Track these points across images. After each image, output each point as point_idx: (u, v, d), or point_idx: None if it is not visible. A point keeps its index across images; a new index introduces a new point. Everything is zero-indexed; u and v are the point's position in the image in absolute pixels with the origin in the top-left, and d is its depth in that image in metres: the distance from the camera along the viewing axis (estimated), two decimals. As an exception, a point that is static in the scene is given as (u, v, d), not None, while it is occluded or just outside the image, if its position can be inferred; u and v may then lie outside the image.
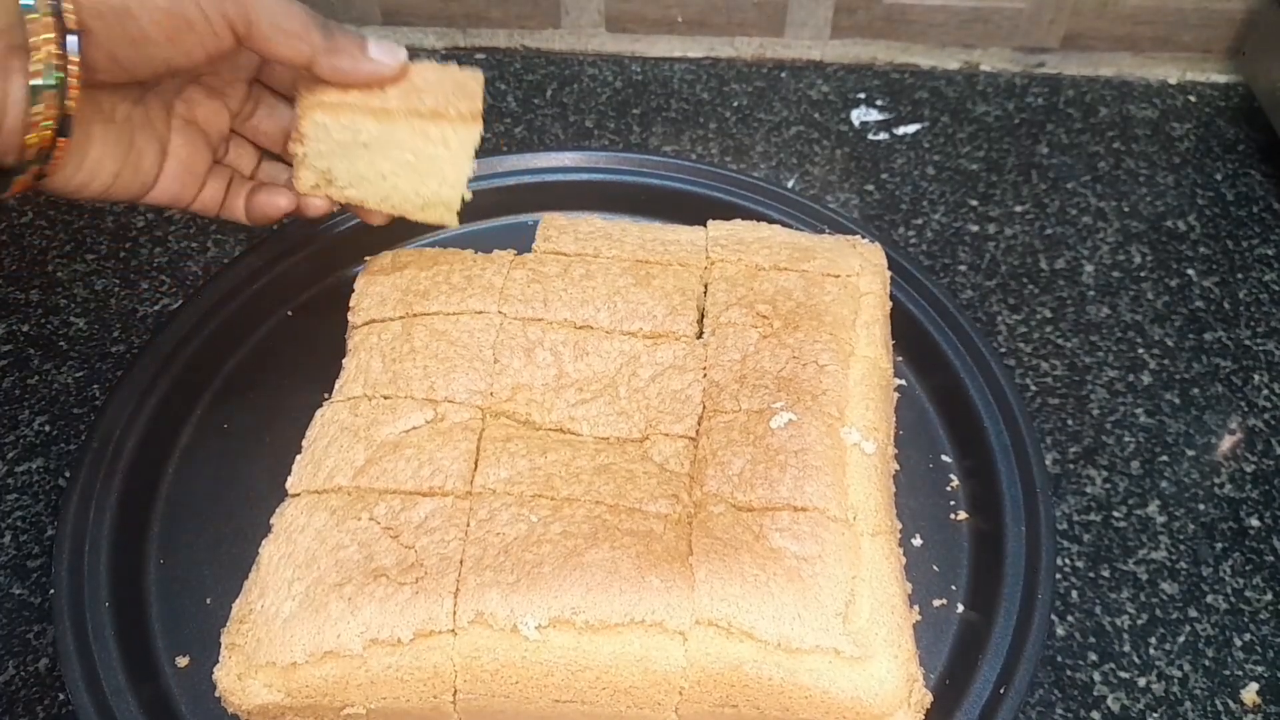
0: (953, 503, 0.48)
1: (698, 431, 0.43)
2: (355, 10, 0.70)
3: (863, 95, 0.69)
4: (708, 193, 0.57)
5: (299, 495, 0.42)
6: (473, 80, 0.43)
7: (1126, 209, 0.63)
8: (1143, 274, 0.60)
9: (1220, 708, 0.44)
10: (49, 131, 0.36)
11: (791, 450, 0.42)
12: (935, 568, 0.46)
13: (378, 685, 0.38)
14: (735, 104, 0.68)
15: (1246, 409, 0.54)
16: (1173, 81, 0.70)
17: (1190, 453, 0.52)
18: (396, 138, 0.42)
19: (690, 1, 0.69)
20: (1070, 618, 0.46)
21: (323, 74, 0.41)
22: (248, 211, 0.45)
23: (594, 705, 0.39)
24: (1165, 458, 0.52)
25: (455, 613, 0.38)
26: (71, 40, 0.35)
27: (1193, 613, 0.47)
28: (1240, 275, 0.60)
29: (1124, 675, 0.45)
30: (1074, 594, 0.47)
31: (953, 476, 0.49)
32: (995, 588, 0.43)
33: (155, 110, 0.42)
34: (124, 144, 0.41)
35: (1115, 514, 0.50)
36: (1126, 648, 0.46)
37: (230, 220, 0.46)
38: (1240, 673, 0.45)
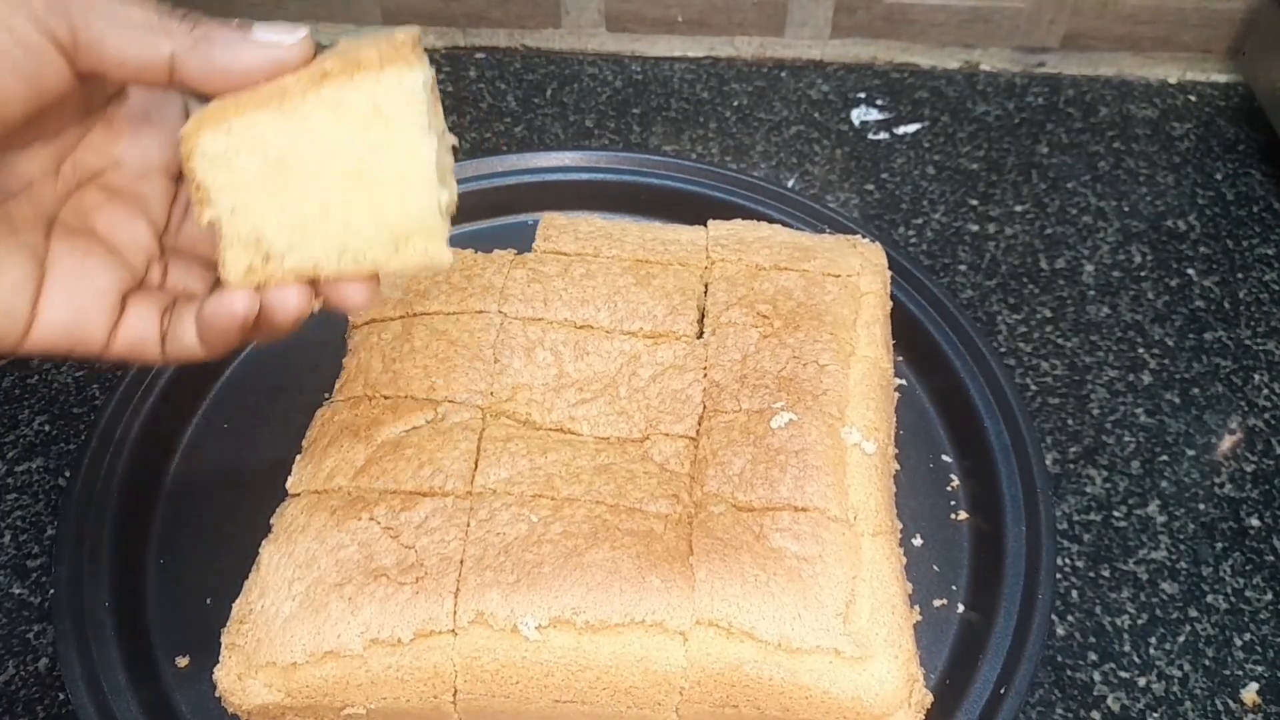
0: (953, 503, 0.48)
1: (698, 431, 0.43)
2: (354, 10, 0.70)
3: (863, 95, 0.69)
4: (708, 192, 0.57)
5: (299, 495, 0.42)
6: (400, 32, 0.31)
7: (1126, 209, 0.63)
8: (1143, 274, 0.60)
9: (1220, 707, 0.44)
10: None
11: (792, 450, 0.42)
12: (935, 568, 0.46)
13: (378, 685, 0.38)
14: (735, 103, 0.68)
15: (1247, 409, 0.54)
16: (1173, 81, 0.70)
17: (1190, 452, 0.52)
18: (314, 132, 0.30)
19: (690, 1, 0.69)
20: (1070, 617, 0.46)
21: (193, 75, 0.29)
22: (200, 334, 0.32)
23: (594, 705, 0.39)
24: (1165, 457, 0.52)
25: (455, 613, 0.38)
26: None
27: (1193, 612, 0.47)
28: (1240, 275, 0.60)
29: (1124, 675, 0.45)
30: (1074, 594, 0.47)
31: (953, 476, 0.49)
32: (995, 588, 0.43)
33: (21, 219, 0.31)
34: None
35: (1115, 514, 0.50)
36: (1127, 647, 0.46)
37: (182, 361, 0.32)
38: (1240, 672, 0.45)
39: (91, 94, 0.32)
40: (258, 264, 0.31)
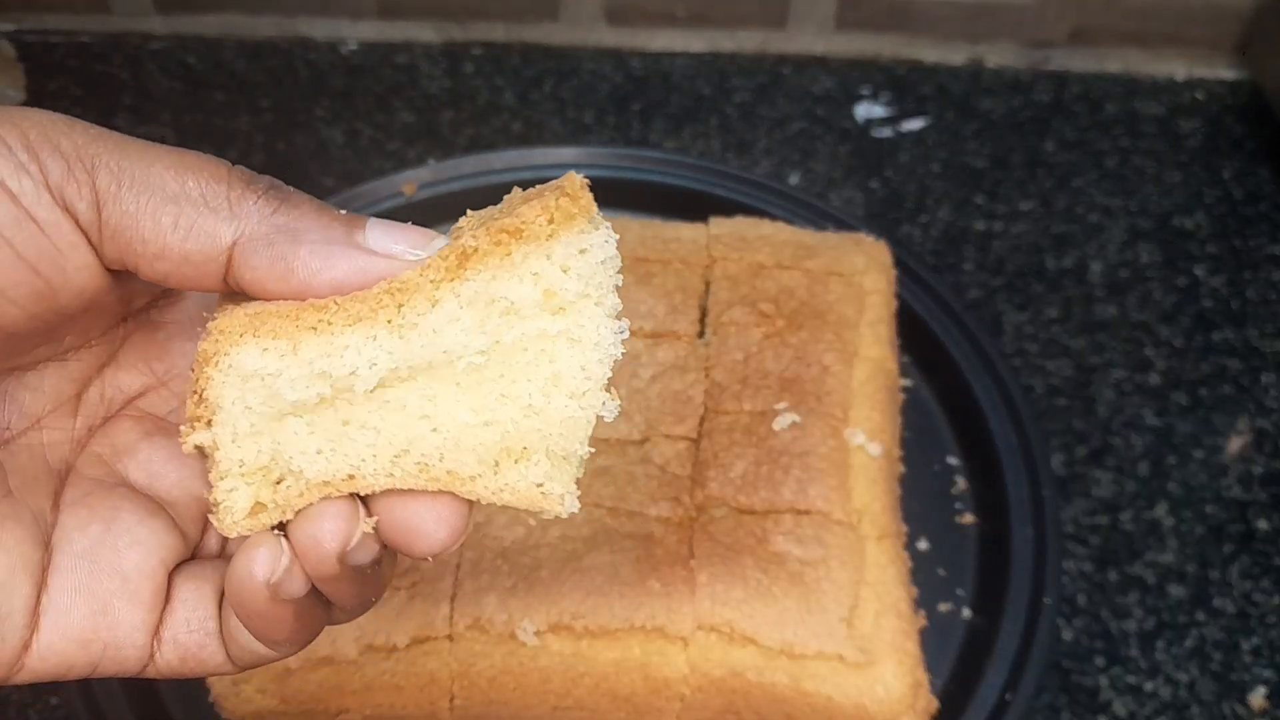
0: (959, 505, 0.48)
1: (699, 433, 0.43)
2: (349, 4, 0.69)
3: (867, 90, 0.68)
4: (709, 190, 0.57)
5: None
6: (568, 179, 0.22)
7: (1134, 207, 0.62)
8: (1150, 273, 0.59)
9: (1228, 712, 0.43)
10: None
11: (795, 452, 0.41)
12: (941, 571, 0.45)
13: (373, 691, 0.38)
14: (737, 99, 0.68)
15: (1255, 410, 0.53)
16: (1180, 78, 0.69)
17: (1198, 454, 0.52)
18: (438, 344, 0.21)
19: (692, -5, 0.68)
20: (1077, 621, 0.46)
21: (253, 280, 0.20)
22: (243, 623, 0.21)
23: (594, 712, 0.39)
24: (1173, 459, 0.51)
25: (452, 618, 0.37)
26: None
27: (1200, 616, 0.46)
28: (1248, 274, 0.59)
29: (1131, 680, 0.44)
30: (1081, 598, 0.47)
31: (959, 479, 0.48)
32: (1001, 592, 0.43)
33: (19, 476, 0.21)
34: None
35: (1123, 516, 0.49)
36: (1134, 652, 0.45)
37: (256, 665, 0.23)
38: (1248, 676, 0.44)
39: (130, 290, 0.22)
40: (266, 495, 0.21)
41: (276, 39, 0.69)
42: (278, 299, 0.20)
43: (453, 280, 0.20)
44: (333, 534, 0.20)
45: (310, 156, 0.63)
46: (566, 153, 0.58)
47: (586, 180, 0.21)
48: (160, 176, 0.19)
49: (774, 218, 0.53)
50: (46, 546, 0.21)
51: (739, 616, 0.37)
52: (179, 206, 0.19)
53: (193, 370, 0.21)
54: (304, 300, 0.20)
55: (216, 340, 0.21)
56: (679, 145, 0.65)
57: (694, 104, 0.67)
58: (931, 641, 0.42)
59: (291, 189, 0.21)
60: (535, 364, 0.21)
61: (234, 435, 0.21)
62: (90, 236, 0.19)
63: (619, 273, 0.22)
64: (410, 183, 0.55)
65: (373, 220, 0.21)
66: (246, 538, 0.21)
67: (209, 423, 0.21)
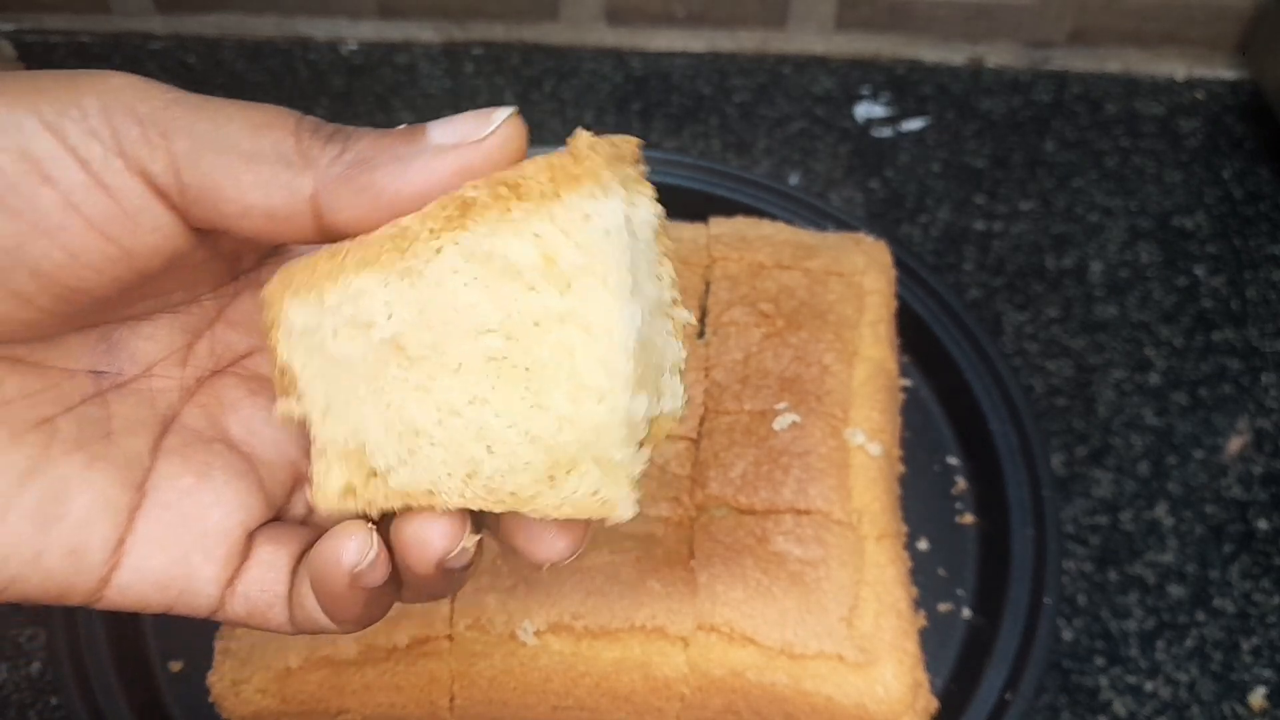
0: (959, 505, 0.48)
1: (699, 433, 0.43)
2: (349, 4, 0.69)
3: (867, 90, 0.68)
4: (709, 189, 0.57)
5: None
6: (583, 135, 0.20)
7: (1134, 207, 0.62)
8: (1150, 273, 0.59)
9: (1228, 712, 0.43)
10: None
11: (795, 452, 0.41)
12: (941, 571, 0.45)
13: (373, 691, 0.38)
14: (737, 99, 0.68)
15: (1255, 410, 0.53)
16: (1180, 78, 0.69)
17: (1198, 454, 0.52)
18: (448, 299, 0.20)
19: (692, -5, 0.68)
20: (1077, 622, 0.46)
21: (345, 219, 0.20)
22: (317, 599, 0.22)
23: (594, 712, 0.39)
24: (1173, 459, 0.51)
25: (452, 618, 0.37)
26: None
27: (1200, 616, 0.46)
28: (1249, 274, 0.59)
29: (1131, 680, 0.44)
30: (1081, 598, 0.47)
31: (959, 479, 0.48)
32: (1002, 592, 0.43)
33: (123, 418, 0.22)
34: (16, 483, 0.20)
35: (1123, 516, 0.49)
36: (1133, 652, 0.45)
37: (316, 632, 0.23)
38: (1248, 677, 0.44)
39: (236, 249, 0.23)
40: (358, 482, 0.21)
41: (276, 39, 0.69)
42: (377, 229, 0.20)
43: (453, 230, 0.19)
44: (440, 539, 0.21)
45: (310, 156, 0.63)
46: (566, 153, 0.58)
47: (596, 140, 0.20)
48: (234, 137, 0.20)
49: (774, 217, 0.53)
50: (140, 489, 0.22)
51: (739, 616, 0.37)
52: (256, 165, 0.20)
53: (268, 343, 0.21)
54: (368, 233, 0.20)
55: (269, 307, 0.21)
56: (679, 145, 0.65)
57: (694, 104, 0.67)
58: (931, 641, 0.42)
59: (352, 128, 0.21)
60: (556, 363, 0.19)
61: (326, 407, 0.21)
62: (171, 199, 0.20)
63: (657, 248, 0.20)
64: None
65: (432, 123, 0.21)
66: (334, 517, 0.21)
67: (297, 395, 0.21)
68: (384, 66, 0.68)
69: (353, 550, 0.21)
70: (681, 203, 0.56)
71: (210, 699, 0.38)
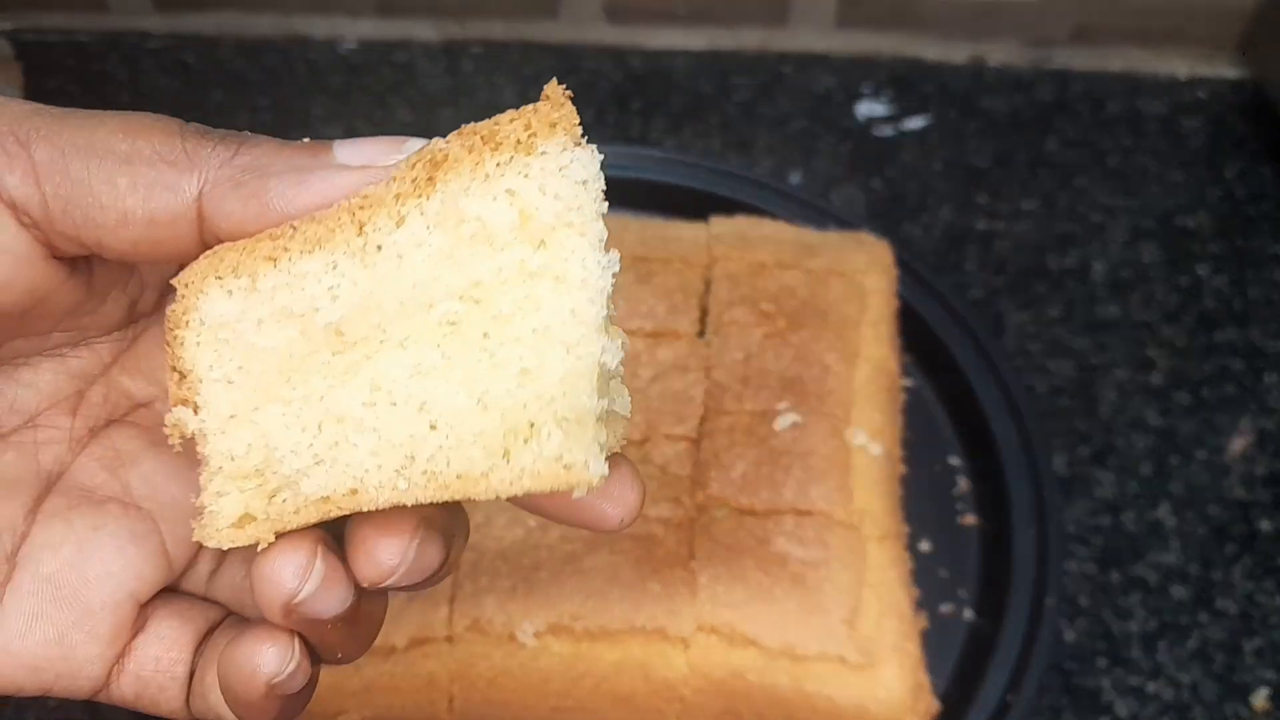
0: (960, 506, 0.47)
1: (699, 433, 0.43)
2: (348, 2, 0.68)
3: (868, 89, 0.68)
4: (710, 188, 0.56)
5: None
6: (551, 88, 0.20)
7: (1136, 206, 0.62)
8: (1152, 272, 0.59)
9: (1230, 713, 0.43)
10: None
11: (796, 453, 0.41)
12: (943, 572, 0.45)
13: (372, 693, 0.37)
14: (738, 97, 0.67)
15: (1257, 409, 0.53)
16: (1182, 77, 0.69)
17: (1201, 454, 0.51)
18: (408, 272, 0.19)
19: (692, -7, 0.68)
20: (1079, 623, 0.46)
21: (227, 225, 0.19)
22: (224, 696, 0.20)
23: (593, 714, 0.38)
24: (1176, 459, 0.51)
25: (451, 619, 0.37)
26: None
27: (1203, 617, 0.46)
28: (1251, 273, 0.59)
29: (1133, 681, 0.44)
30: (1083, 599, 0.46)
31: (960, 479, 0.48)
32: (1003, 593, 0.42)
33: None
34: None
35: (1125, 517, 0.49)
36: (1136, 653, 0.45)
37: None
38: (1250, 678, 0.44)
39: (113, 280, 0.21)
40: (258, 506, 0.19)
41: (274, 37, 0.69)
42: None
43: (419, 196, 0.18)
44: (294, 575, 0.18)
45: (309, 155, 0.63)
46: (566, 151, 0.58)
47: (569, 92, 0.19)
48: (107, 140, 0.18)
49: (775, 217, 0.53)
50: (10, 560, 0.20)
51: (740, 618, 0.37)
52: (133, 166, 0.18)
53: (166, 344, 0.19)
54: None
55: (182, 296, 0.19)
56: (679, 144, 0.65)
57: (694, 102, 0.67)
58: (933, 643, 0.42)
59: (249, 133, 0.19)
60: (520, 316, 0.18)
61: (219, 421, 0.19)
62: (30, 215, 0.18)
63: (602, 199, 0.19)
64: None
65: (339, 140, 0.19)
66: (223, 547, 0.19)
67: (194, 407, 0.19)
68: (383, 65, 0.68)
69: (272, 660, 0.18)
70: (682, 202, 0.56)
71: (208, 700, 0.38)
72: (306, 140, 0.20)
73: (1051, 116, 0.67)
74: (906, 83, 0.68)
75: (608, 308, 0.19)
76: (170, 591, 0.21)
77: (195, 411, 0.19)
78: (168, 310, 0.19)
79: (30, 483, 0.20)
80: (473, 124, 0.19)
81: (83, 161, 0.18)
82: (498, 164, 0.18)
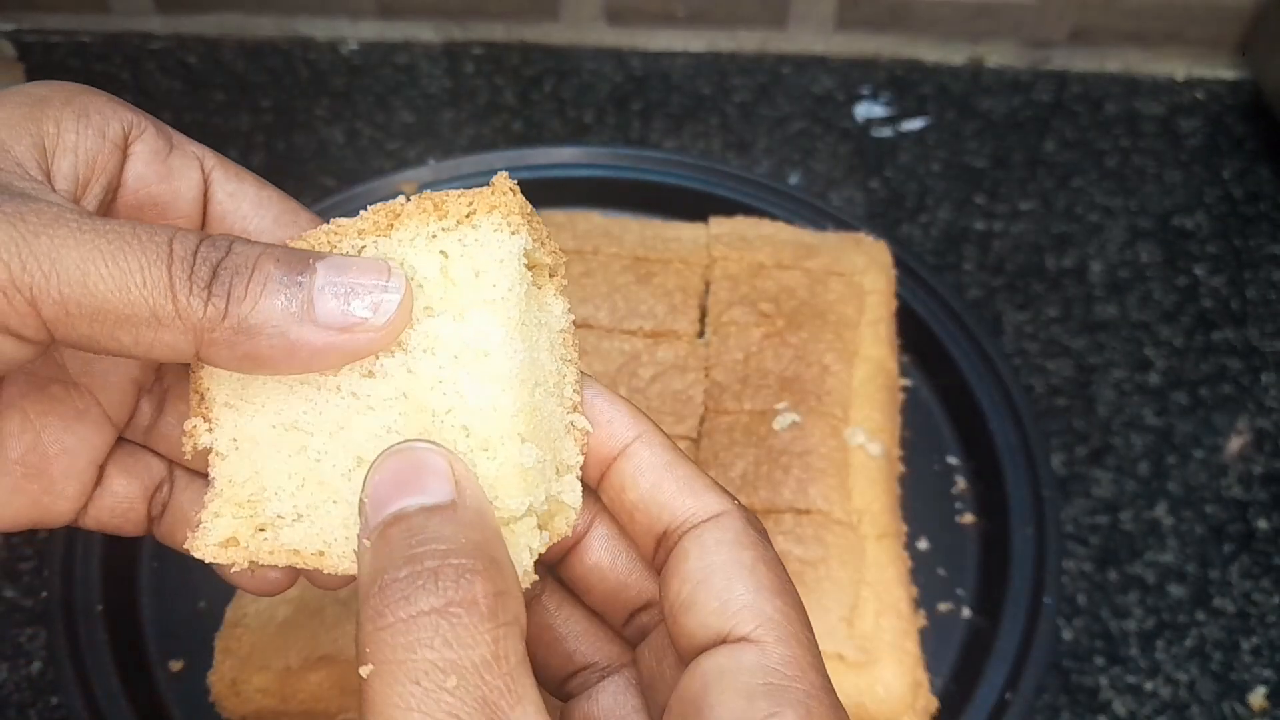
0: (959, 505, 0.47)
1: (699, 433, 0.43)
2: (350, 4, 0.69)
3: (867, 90, 0.68)
4: (709, 189, 0.56)
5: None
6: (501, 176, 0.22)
7: (1134, 207, 0.62)
8: (1150, 273, 0.59)
9: (1228, 712, 0.43)
10: None
11: (795, 452, 0.41)
12: (941, 571, 0.45)
13: (374, 691, 0.38)
14: (737, 99, 0.68)
15: (1255, 409, 0.53)
16: (1180, 78, 0.69)
17: (1198, 454, 0.52)
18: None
19: (692, -6, 0.68)
20: (1077, 621, 0.46)
21: (220, 365, 0.21)
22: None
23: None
24: (1173, 459, 0.51)
25: (453, 618, 0.37)
26: None
27: (1200, 616, 0.46)
28: (1248, 274, 0.59)
29: (1131, 679, 0.44)
30: (1081, 597, 0.47)
31: (959, 478, 0.48)
32: (1002, 591, 0.43)
33: None
34: None
35: (1123, 516, 0.49)
36: (1134, 651, 0.45)
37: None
38: (1248, 676, 0.44)
39: None
40: (244, 535, 0.21)
41: (276, 39, 0.69)
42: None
43: (378, 233, 0.21)
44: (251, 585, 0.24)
45: (310, 156, 0.63)
46: (566, 152, 0.58)
47: (514, 183, 0.22)
48: (105, 298, 0.19)
49: (774, 217, 0.53)
50: None
51: (739, 616, 0.37)
52: (135, 329, 0.20)
53: (190, 369, 0.22)
54: None
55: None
56: (679, 145, 0.65)
57: (694, 103, 0.67)
58: (931, 641, 0.42)
59: (233, 251, 0.20)
60: (449, 409, 0.20)
61: (235, 444, 0.22)
62: (44, 333, 0.20)
63: (566, 348, 0.22)
64: (410, 183, 0.55)
65: (322, 267, 0.20)
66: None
67: (210, 423, 0.22)
68: (384, 66, 0.68)
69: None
70: (681, 202, 0.56)
71: (210, 699, 0.38)
72: (290, 244, 0.22)
73: (1050, 117, 0.67)
74: (905, 84, 0.69)
75: (535, 390, 0.20)
76: (125, 450, 0.26)
77: (210, 430, 0.22)
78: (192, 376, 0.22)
79: None
80: (430, 192, 0.22)
81: (88, 322, 0.20)
82: (444, 228, 0.21)
